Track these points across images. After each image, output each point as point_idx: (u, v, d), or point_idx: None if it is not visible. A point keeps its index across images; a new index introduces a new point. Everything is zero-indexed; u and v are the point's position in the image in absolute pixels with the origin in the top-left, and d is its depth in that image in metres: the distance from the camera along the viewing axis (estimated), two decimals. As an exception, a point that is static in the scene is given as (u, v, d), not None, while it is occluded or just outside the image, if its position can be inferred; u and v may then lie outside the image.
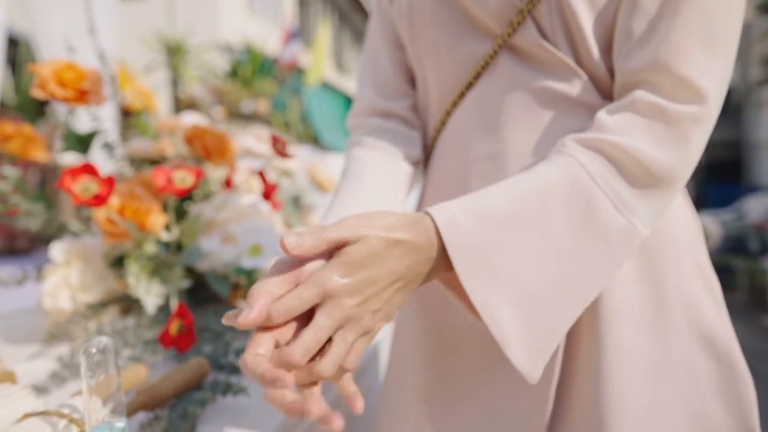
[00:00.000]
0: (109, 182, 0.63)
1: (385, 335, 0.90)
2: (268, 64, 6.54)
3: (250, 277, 0.85)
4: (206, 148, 0.89)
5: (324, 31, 6.81)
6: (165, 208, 0.82)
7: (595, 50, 0.48)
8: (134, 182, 0.82)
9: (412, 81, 0.63)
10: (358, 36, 18.34)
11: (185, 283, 0.83)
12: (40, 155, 0.99)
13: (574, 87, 0.49)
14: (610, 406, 0.47)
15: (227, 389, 0.56)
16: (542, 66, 0.50)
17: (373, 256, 0.37)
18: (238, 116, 4.88)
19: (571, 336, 0.50)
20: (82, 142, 0.84)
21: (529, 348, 0.40)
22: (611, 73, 0.49)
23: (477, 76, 0.53)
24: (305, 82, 6.53)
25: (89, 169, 0.63)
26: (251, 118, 5.05)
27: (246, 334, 0.75)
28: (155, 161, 1.09)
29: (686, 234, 0.50)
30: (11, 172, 0.89)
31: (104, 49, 1.03)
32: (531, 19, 0.48)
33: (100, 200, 0.63)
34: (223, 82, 5.48)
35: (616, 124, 0.44)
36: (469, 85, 0.53)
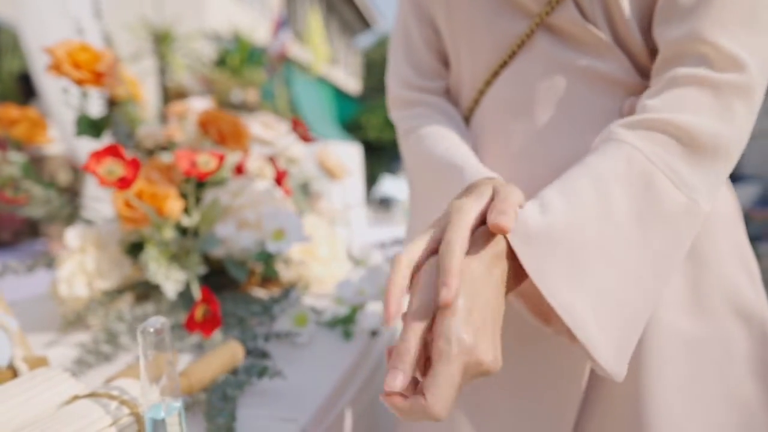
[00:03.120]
0: (134, 165, 0.62)
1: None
2: (256, 53, 6.47)
3: (268, 264, 0.85)
4: (221, 133, 0.88)
5: (315, 19, 6.77)
6: (181, 193, 0.81)
7: (634, 29, 0.48)
8: (150, 167, 0.81)
9: (444, 61, 0.63)
10: (346, 26, 18.20)
11: (201, 269, 0.82)
12: (45, 140, 0.97)
13: (612, 66, 0.49)
14: (649, 381, 0.47)
15: (263, 372, 0.56)
16: (580, 45, 0.50)
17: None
18: (227, 105, 4.82)
19: None
20: (95, 127, 0.82)
21: (614, 347, 0.39)
22: (650, 52, 0.49)
23: (512, 55, 0.52)
24: (310, 71, 6.53)
25: (114, 152, 0.62)
26: (240, 107, 5.00)
27: (269, 319, 0.75)
28: (163, 147, 1.08)
29: (725, 211, 0.51)
30: (18, 157, 0.87)
31: (106, 33, 1.02)
32: None
33: (125, 183, 0.61)
34: (211, 71, 5.41)
35: (662, 103, 0.43)
36: (504, 64, 0.53)
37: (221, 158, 0.70)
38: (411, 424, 0.63)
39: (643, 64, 0.49)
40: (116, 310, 0.76)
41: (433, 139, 0.55)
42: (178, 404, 0.39)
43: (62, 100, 0.81)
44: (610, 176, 0.41)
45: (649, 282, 0.41)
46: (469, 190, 0.43)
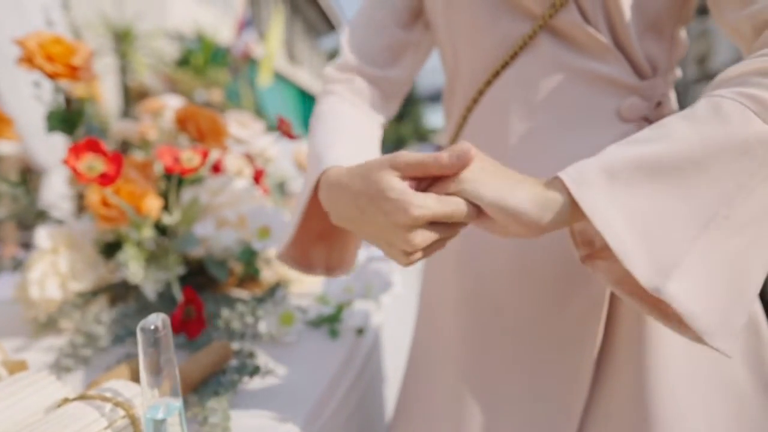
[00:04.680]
0: (117, 160, 0.60)
1: (384, 320, 0.91)
2: (220, 53, 6.36)
3: (250, 263, 0.83)
4: (200, 130, 0.86)
5: (276, 26, 6.70)
6: (161, 192, 0.79)
7: (633, 33, 0.49)
8: (127, 165, 0.78)
9: (394, 54, 0.63)
10: (310, 27, 18.10)
11: (180, 269, 0.80)
12: (12, 136, 0.93)
13: (613, 68, 0.50)
14: (653, 372, 0.48)
15: (255, 371, 0.54)
16: (581, 47, 0.51)
17: None
18: (191, 106, 4.72)
19: (613, 305, 0.51)
20: (67, 122, 0.79)
21: (650, 261, 0.36)
22: (648, 56, 0.51)
23: (514, 55, 0.53)
24: (258, 79, 6.41)
25: (94, 146, 0.60)
26: (205, 107, 4.91)
27: (255, 319, 0.73)
28: (130, 144, 1.05)
29: None
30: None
31: (75, 27, 0.98)
32: (573, 2, 0.50)
33: (107, 179, 0.59)
34: (174, 71, 5.28)
35: (757, 55, 0.40)
36: (505, 65, 0.54)
37: (205, 154, 0.69)
38: (410, 419, 0.63)
39: (640, 67, 0.51)
40: (92, 312, 0.73)
41: (321, 121, 0.57)
42: (178, 403, 0.38)
43: (33, 94, 0.78)
44: (671, 116, 0.40)
45: (706, 200, 0.37)
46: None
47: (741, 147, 0.37)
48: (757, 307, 0.52)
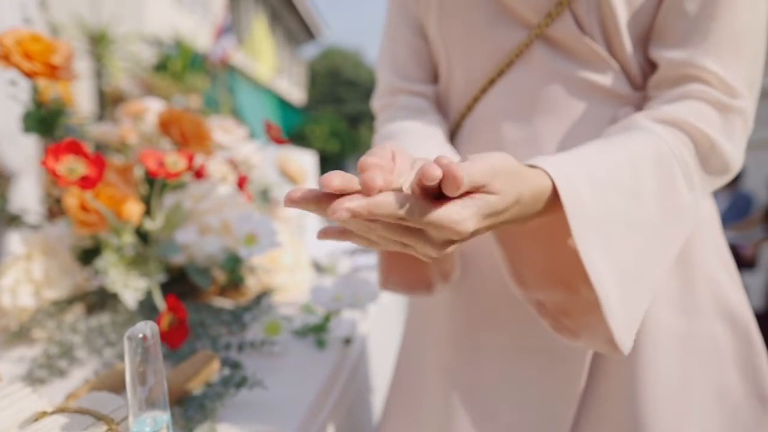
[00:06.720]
0: (99, 162, 0.58)
1: (370, 329, 0.89)
2: (198, 59, 6.29)
3: (234, 271, 0.81)
4: (184, 134, 0.84)
5: (261, 27, 6.67)
6: (141, 197, 0.76)
7: (627, 44, 0.50)
8: (107, 168, 0.76)
9: (429, 71, 0.63)
10: (290, 36, 18.07)
11: (161, 277, 0.78)
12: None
13: (608, 78, 0.50)
14: (645, 380, 0.48)
15: (242, 383, 0.52)
16: (576, 56, 0.51)
17: (504, 210, 0.35)
18: (169, 112, 4.64)
19: None
20: (45, 122, 0.76)
21: (624, 315, 0.39)
22: (639, 66, 0.51)
23: (509, 63, 0.53)
24: (256, 79, 6.39)
25: (75, 148, 0.58)
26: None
27: (240, 328, 0.71)
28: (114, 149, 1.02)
29: (708, 217, 0.53)
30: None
31: (53, 26, 0.95)
32: (569, 12, 0.49)
33: (89, 183, 0.57)
34: (151, 76, 5.19)
35: (687, 110, 0.46)
36: (501, 73, 0.54)
37: (191, 158, 0.67)
38: (396, 427, 0.62)
39: (633, 77, 0.51)
40: (67, 321, 0.70)
41: (387, 135, 0.56)
42: (166, 416, 0.36)
43: (7, 93, 0.75)
44: (643, 158, 0.43)
45: (656, 263, 0.43)
46: None
47: (681, 214, 0.44)
48: (749, 315, 0.53)
